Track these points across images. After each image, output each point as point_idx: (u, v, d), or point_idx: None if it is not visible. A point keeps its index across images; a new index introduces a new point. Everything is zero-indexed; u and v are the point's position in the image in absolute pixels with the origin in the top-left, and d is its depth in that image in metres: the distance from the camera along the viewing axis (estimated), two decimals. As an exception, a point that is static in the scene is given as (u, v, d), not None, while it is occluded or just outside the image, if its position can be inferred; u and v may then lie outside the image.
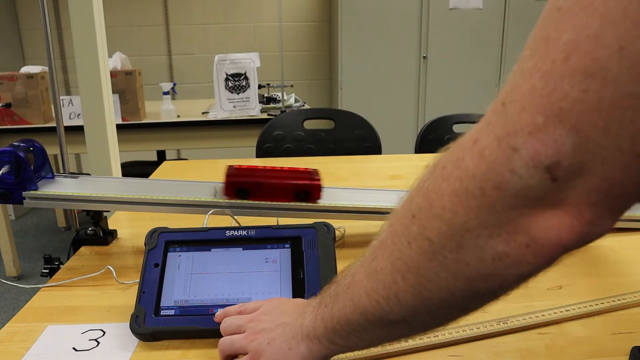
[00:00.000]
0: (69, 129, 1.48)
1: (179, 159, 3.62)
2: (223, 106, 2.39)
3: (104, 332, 0.64)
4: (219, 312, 0.60)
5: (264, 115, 2.42)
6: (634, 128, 0.26)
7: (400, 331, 0.42)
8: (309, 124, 1.77)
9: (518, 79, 0.30)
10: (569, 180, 0.29)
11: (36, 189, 0.78)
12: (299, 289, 0.65)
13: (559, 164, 0.28)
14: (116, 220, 1.00)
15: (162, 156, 3.20)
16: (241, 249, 0.69)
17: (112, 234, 0.91)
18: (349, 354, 0.57)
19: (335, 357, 0.57)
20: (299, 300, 0.56)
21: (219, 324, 0.57)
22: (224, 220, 0.81)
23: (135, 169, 2.90)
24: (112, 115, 1.55)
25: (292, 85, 3.24)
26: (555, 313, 0.64)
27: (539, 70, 0.29)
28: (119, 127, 1.66)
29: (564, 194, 0.29)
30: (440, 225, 0.34)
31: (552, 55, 0.28)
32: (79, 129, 1.59)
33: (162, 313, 0.63)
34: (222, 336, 0.55)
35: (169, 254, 0.68)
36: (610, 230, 0.31)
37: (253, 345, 0.52)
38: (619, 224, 0.88)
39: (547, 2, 0.30)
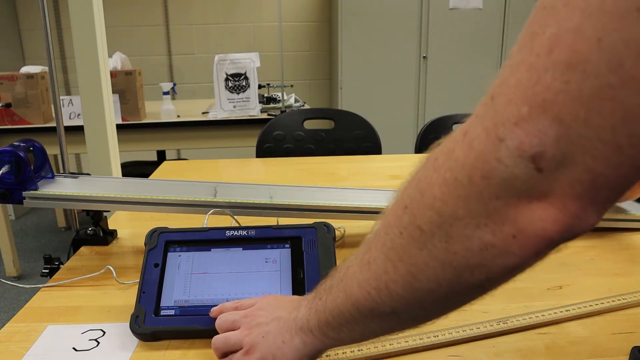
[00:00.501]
0: (69, 129, 1.48)
1: (179, 159, 3.62)
2: (223, 106, 2.39)
3: (104, 332, 0.64)
4: (215, 309, 0.60)
5: (264, 115, 2.42)
6: (613, 119, 0.27)
7: (391, 324, 0.42)
8: (309, 124, 1.77)
9: (506, 73, 0.31)
10: (553, 171, 0.29)
11: (36, 189, 0.78)
12: (299, 289, 0.65)
13: (543, 154, 0.29)
14: (116, 220, 1.00)
15: (162, 156, 3.20)
16: (241, 249, 0.69)
17: (112, 234, 0.91)
18: (349, 354, 0.57)
19: (335, 357, 0.57)
20: (294, 297, 0.56)
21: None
22: (224, 220, 0.81)
23: (135, 169, 2.90)
24: (112, 115, 1.55)
25: (292, 85, 3.24)
26: (555, 313, 0.64)
27: (524, 63, 0.30)
28: (119, 127, 1.66)
29: (549, 185, 0.30)
30: (431, 214, 0.35)
31: (537, 49, 0.29)
32: (79, 129, 1.59)
33: (162, 313, 0.63)
34: (221, 336, 0.56)
35: (169, 254, 0.68)
36: (595, 226, 0.32)
37: (248, 340, 0.52)
38: (619, 224, 0.89)
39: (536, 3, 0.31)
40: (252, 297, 0.62)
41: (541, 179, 0.30)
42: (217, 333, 0.56)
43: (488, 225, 0.32)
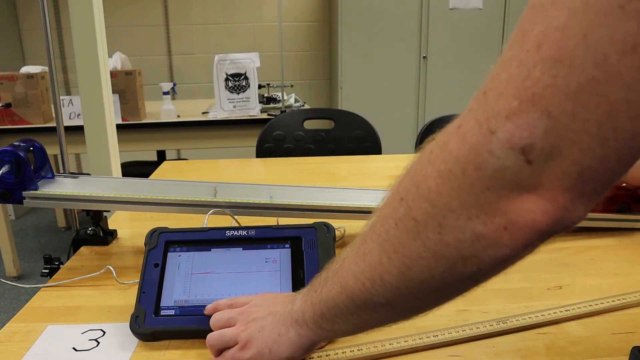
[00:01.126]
0: (69, 129, 1.48)
1: (179, 159, 3.62)
2: (223, 106, 2.39)
3: (104, 332, 0.64)
4: (209, 306, 0.60)
5: (264, 115, 2.42)
6: (599, 112, 0.28)
7: (385, 315, 0.43)
8: (309, 124, 1.77)
9: (498, 68, 0.32)
10: (542, 163, 0.30)
11: (36, 189, 0.78)
12: (299, 289, 0.64)
13: (532, 146, 0.30)
14: (116, 220, 1.00)
15: (162, 156, 3.20)
16: (241, 249, 0.69)
17: (112, 234, 0.91)
18: (348, 354, 0.57)
19: (335, 357, 0.57)
20: (290, 293, 0.57)
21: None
22: (224, 220, 0.81)
23: (135, 169, 2.90)
24: (112, 115, 1.55)
25: (292, 85, 3.25)
26: (555, 313, 0.64)
27: (515, 59, 0.31)
28: (119, 127, 1.66)
29: (538, 177, 0.31)
30: (425, 205, 0.35)
31: (527, 46, 0.30)
32: (79, 129, 1.59)
33: (162, 313, 0.63)
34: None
35: (169, 254, 0.68)
36: (583, 218, 0.32)
37: (244, 335, 0.52)
38: (618, 224, 0.89)
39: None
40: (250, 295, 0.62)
41: (531, 171, 0.31)
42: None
43: (479, 217, 0.33)
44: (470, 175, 0.33)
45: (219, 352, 0.55)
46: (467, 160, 0.33)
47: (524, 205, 0.32)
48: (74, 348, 0.61)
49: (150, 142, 2.47)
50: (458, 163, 0.33)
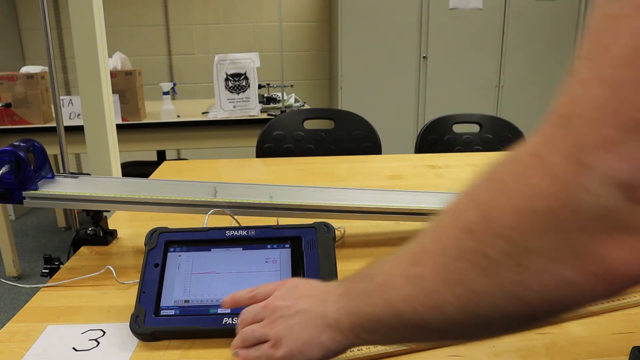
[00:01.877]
0: (69, 129, 1.48)
1: (179, 159, 3.62)
2: (223, 106, 2.39)
3: (104, 332, 0.64)
4: (227, 299, 0.56)
5: (264, 115, 2.42)
6: None
7: (434, 337, 0.40)
8: (309, 124, 1.77)
9: (577, 89, 0.28)
10: None
11: (36, 189, 0.78)
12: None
13: (637, 182, 0.26)
14: (116, 220, 1.00)
15: (162, 156, 3.20)
16: (241, 249, 0.69)
17: (112, 234, 0.91)
18: (348, 354, 0.57)
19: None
20: (315, 284, 0.53)
21: (220, 324, 0.57)
22: (224, 220, 0.81)
23: (135, 169, 2.90)
24: (112, 115, 1.55)
25: (292, 85, 3.24)
26: (555, 313, 0.64)
27: (598, 79, 0.27)
28: (119, 127, 1.66)
29: None
30: (500, 243, 0.32)
31: (611, 62, 0.26)
32: (79, 129, 1.59)
33: (162, 313, 0.63)
34: (222, 336, 0.55)
35: (169, 254, 0.68)
36: None
37: (274, 332, 0.50)
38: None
39: (594, 13, 0.28)
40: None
41: (634, 210, 0.27)
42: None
43: (568, 261, 0.29)
44: (559, 215, 0.29)
45: (248, 347, 0.52)
46: (555, 198, 0.29)
47: (623, 249, 0.28)
48: (74, 348, 0.61)
49: (150, 142, 2.47)
50: (543, 200, 0.29)
